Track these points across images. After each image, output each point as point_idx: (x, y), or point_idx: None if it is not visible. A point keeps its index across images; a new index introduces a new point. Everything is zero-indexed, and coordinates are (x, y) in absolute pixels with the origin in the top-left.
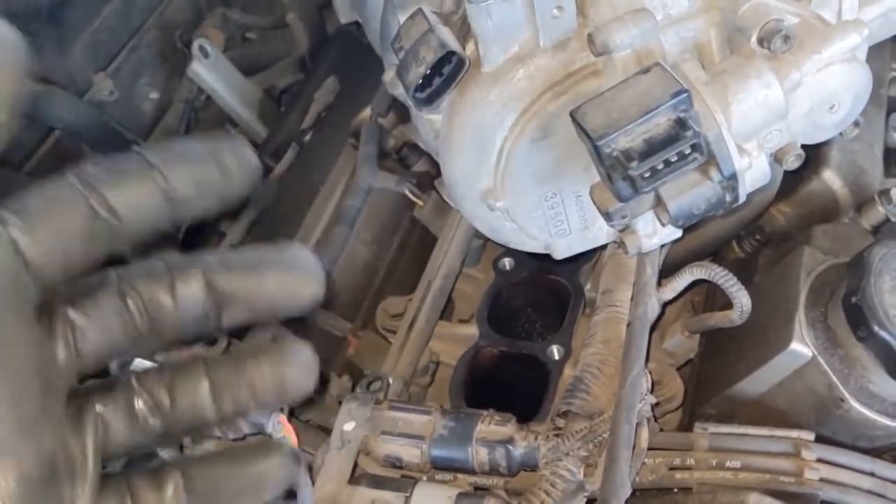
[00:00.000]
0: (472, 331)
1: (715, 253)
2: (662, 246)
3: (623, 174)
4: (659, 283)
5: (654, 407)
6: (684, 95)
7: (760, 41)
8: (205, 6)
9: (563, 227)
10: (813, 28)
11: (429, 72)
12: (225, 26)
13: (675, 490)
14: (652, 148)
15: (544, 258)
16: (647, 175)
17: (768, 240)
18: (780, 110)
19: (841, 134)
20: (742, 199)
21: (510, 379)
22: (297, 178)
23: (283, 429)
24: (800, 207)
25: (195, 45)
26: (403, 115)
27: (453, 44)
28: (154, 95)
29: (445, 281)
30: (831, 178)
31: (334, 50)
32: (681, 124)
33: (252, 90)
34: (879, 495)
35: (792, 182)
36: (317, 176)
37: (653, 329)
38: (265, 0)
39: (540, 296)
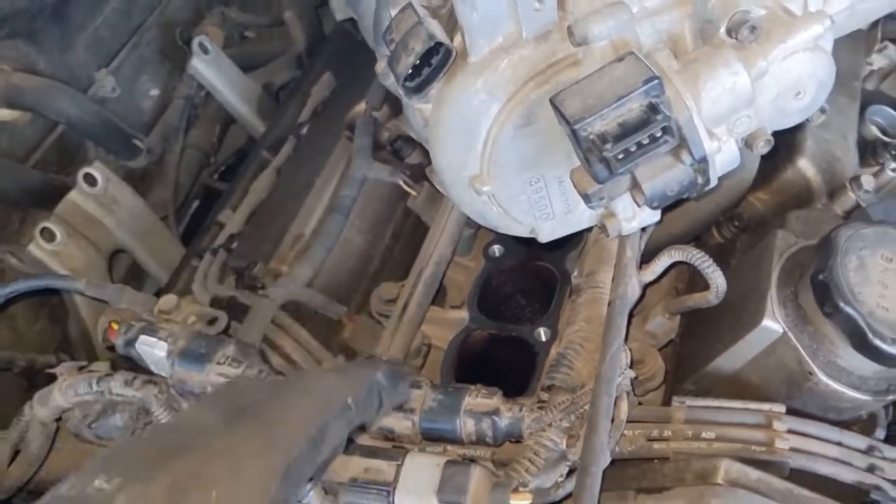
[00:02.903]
0: (462, 315)
1: (697, 238)
2: (644, 230)
3: (599, 156)
4: (641, 267)
5: (633, 381)
6: (656, 82)
7: (729, 31)
8: (204, 5)
9: (547, 211)
10: (779, 19)
11: (418, 62)
12: (224, 24)
13: (654, 460)
14: (625, 131)
15: (533, 245)
16: (620, 157)
17: (746, 226)
18: (748, 96)
19: (808, 120)
20: (713, 181)
21: (499, 361)
22: (294, 169)
23: None
24: (776, 195)
25: (195, 42)
26: (397, 109)
27: (441, 35)
28: (155, 92)
29: (437, 267)
30: (805, 166)
31: (330, 47)
32: (652, 109)
33: (251, 86)
34: (846, 463)
35: (768, 171)
36: (313, 167)
37: (636, 312)
38: None
39: (529, 282)
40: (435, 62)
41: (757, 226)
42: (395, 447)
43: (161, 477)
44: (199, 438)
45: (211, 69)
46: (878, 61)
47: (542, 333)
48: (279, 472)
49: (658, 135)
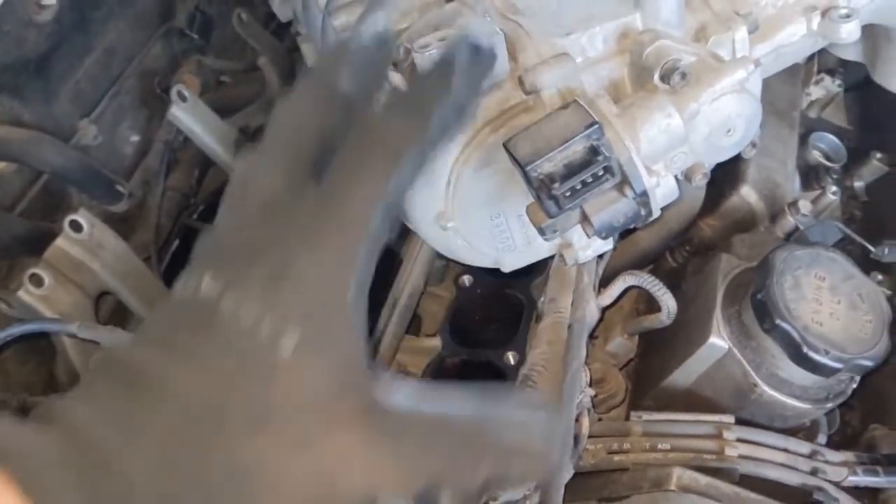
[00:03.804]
0: (436, 343)
1: (654, 262)
2: (601, 258)
3: (548, 194)
4: (599, 292)
5: (593, 399)
6: (596, 126)
7: (662, 78)
8: (181, 54)
9: (509, 243)
10: (707, 65)
11: None
12: (200, 72)
13: (615, 471)
14: (571, 171)
15: (501, 275)
16: (568, 194)
17: (697, 250)
18: (681, 136)
19: (741, 154)
20: (656, 212)
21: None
22: None
23: None
24: (723, 220)
25: (174, 90)
26: None
27: (404, 87)
28: (135, 138)
29: (410, 299)
30: (748, 193)
31: None
32: (594, 151)
33: (228, 130)
34: (791, 467)
35: (715, 197)
36: None
37: (598, 334)
38: (238, 46)
39: (498, 309)
40: None
41: (706, 249)
42: None
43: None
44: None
45: (189, 116)
46: (815, 92)
47: (511, 357)
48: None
49: (600, 173)
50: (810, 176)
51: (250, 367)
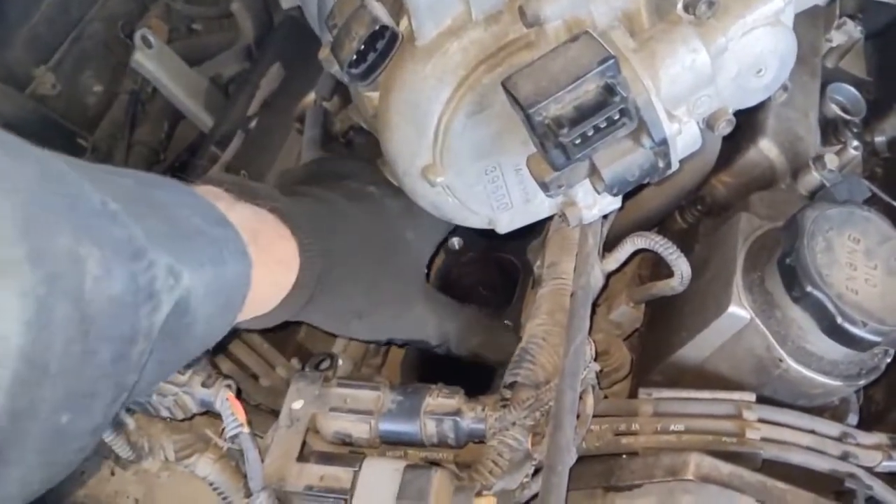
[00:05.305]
0: None
1: (660, 224)
2: (605, 218)
3: (555, 142)
4: (604, 256)
5: (598, 374)
6: (611, 62)
7: (686, 7)
8: None
9: (505, 201)
10: None
11: (362, 47)
12: (169, 17)
13: (622, 455)
14: (582, 114)
15: (494, 237)
16: (577, 142)
17: (710, 209)
18: (708, 75)
19: (770, 98)
20: (675, 165)
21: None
22: (243, 164)
23: (230, 406)
24: (739, 176)
25: (137, 35)
26: (348, 99)
27: (386, 18)
28: (98, 88)
29: None
30: (768, 146)
31: (279, 37)
32: (609, 90)
33: (197, 80)
34: (819, 451)
35: (731, 152)
36: (263, 162)
37: (600, 302)
38: None
39: (490, 274)
40: (380, 47)
41: (720, 209)
42: (352, 452)
43: None
44: None
45: (154, 63)
46: (837, 38)
47: None
48: None
49: (616, 117)
50: (828, 130)
51: None
